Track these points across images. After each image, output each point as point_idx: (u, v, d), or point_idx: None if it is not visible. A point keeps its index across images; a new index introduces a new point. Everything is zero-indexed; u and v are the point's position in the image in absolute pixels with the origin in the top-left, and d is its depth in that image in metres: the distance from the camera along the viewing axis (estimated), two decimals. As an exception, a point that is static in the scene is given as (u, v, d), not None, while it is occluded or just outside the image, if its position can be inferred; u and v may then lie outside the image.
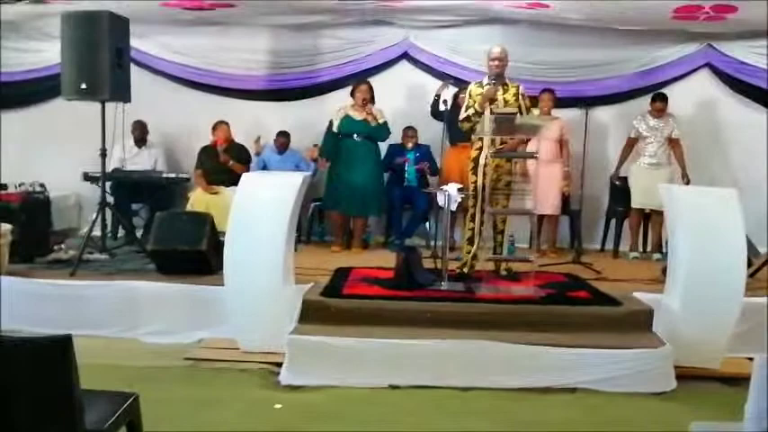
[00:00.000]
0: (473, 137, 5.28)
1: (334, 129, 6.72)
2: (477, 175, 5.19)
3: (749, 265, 4.65)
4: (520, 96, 5.21)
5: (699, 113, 7.37)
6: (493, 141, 5.14)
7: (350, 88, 6.83)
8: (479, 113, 5.12)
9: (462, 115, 5.27)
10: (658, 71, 7.37)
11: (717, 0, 6.02)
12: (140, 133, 7.32)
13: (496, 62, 5.17)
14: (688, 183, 6.58)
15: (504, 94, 5.17)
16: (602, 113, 7.38)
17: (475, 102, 5.19)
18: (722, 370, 4.23)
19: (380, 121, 6.69)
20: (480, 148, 5.19)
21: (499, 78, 5.19)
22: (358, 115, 6.67)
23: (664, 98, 6.79)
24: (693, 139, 6.97)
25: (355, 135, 6.67)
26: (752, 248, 5.02)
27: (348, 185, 6.67)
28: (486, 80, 5.28)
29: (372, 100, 6.71)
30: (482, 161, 5.15)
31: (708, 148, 7.27)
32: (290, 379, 4.01)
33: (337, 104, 6.91)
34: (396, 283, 4.84)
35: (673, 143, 6.76)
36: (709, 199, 4.52)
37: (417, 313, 4.38)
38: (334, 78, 7.48)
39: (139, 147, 7.34)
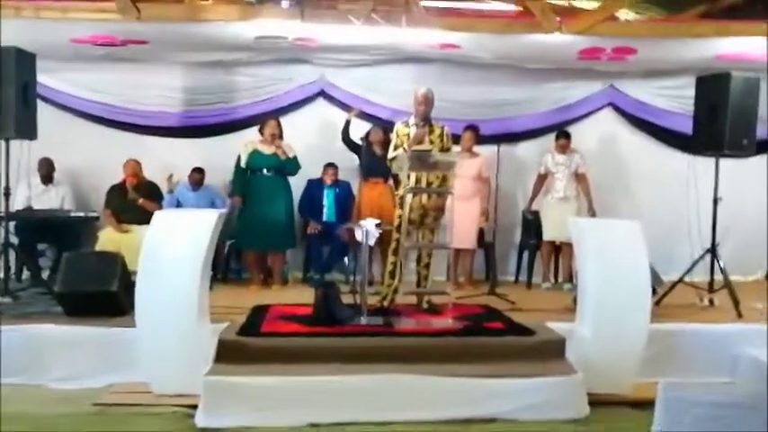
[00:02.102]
0: (400, 174, 5.41)
1: (242, 164, 6.68)
2: (403, 210, 5.25)
3: (653, 293, 4.87)
4: (445, 137, 5.38)
5: (604, 150, 7.73)
6: (417, 178, 5.26)
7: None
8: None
9: (392, 154, 5.38)
10: (567, 110, 7.70)
11: (617, 42, 6.38)
12: (47, 171, 7.06)
13: (423, 107, 5.30)
14: (594, 215, 6.85)
15: (430, 134, 5.32)
16: (516, 150, 7.63)
17: (402, 142, 5.30)
18: (632, 395, 4.36)
19: (290, 155, 6.68)
20: (406, 186, 5.28)
21: (426, 120, 5.33)
22: (267, 150, 6.65)
23: (567, 135, 7.10)
24: (599, 174, 7.26)
25: (265, 170, 6.65)
26: (656, 278, 5.26)
27: (260, 220, 6.57)
28: (412, 120, 5.39)
29: (281, 136, 6.70)
30: (408, 197, 5.23)
31: (612, 183, 7.60)
32: (207, 421, 3.89)
33: (245, 139, 6.87)
34: (314, 319, 4.81)
35: (579, 178, 7.04)
36: (614, 231, 4.70)
37: (336, 350, 4.35)
38: (250, 115, 7.42)
39: (46, 185, 7.08)
